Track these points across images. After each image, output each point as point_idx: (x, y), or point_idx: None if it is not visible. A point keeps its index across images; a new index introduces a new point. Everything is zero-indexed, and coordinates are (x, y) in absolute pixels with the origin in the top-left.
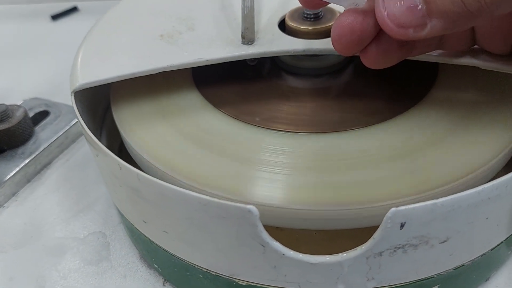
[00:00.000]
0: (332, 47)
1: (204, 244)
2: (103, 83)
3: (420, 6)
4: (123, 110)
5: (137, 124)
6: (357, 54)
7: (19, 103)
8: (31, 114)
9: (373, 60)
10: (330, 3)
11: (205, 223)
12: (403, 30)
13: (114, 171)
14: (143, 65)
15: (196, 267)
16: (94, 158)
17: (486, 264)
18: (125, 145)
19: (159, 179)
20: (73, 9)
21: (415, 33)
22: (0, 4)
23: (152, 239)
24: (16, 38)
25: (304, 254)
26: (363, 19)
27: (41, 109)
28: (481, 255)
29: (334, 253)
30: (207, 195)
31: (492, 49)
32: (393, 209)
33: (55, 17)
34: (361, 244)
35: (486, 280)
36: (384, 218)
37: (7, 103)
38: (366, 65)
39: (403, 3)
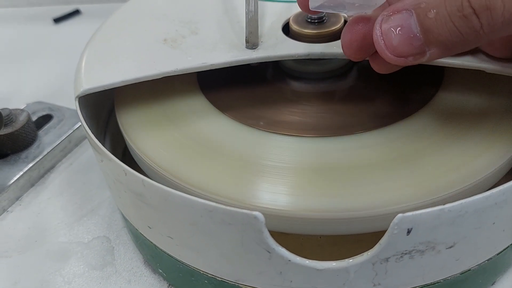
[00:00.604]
0: (336, 50)
1: (210, 250)
2: (107, 88)
3: (418, 36)
4: (128, 115)
5: (141, 129)
6: (366, 59)
7: (22, 107)
8: (34, 118)
9: (382, 65)
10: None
11: (210, 229)
12: (403, 59)
13: (119, 177)
14: (147, 70)
15: (202, 272)
16: (98, 163)
17: (492, 269)
18: (130, 150)
19: (164, 184)
20: (75, 12)
21: (414, 60)
22: (3, 7)
23: (157, 245)
24: (18, 41)
25: (310, 260)
26: (372, 26)
27: (44, 113)
28: (487, 260)
29: (339, 258)
30: (212, 200)
31: (493, 53)
32: (400, 215)
33: (58, 20)
34: (366, 249)
35: (492, 285)
36: (391, 224)
37: (10, 107)
38: (376, 70)
39: (400, 32)
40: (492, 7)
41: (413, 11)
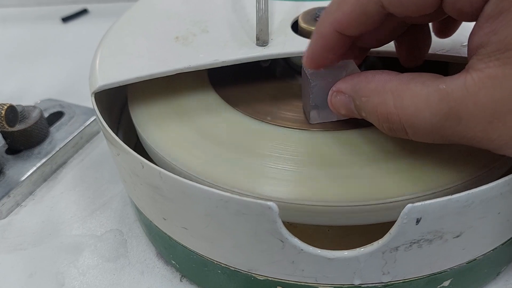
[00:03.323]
0: None
1: (224, 240)
2: (122, 84)
3: (357, 114)
4: (141, 111)
5: (155, 124)
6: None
7: (33, 104)
8: (46, 115)
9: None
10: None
11: (225, 220)
12: (344, 117)
13: (135, 170)
14: (161, 67)
15: (215, 262)
16: (113, 157)
17: (497, 259)
18: (143, 144)
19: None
20: (83, 12)
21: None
22: (12, 6)
23: (171, 236)
24: (28, 40)
25: (322, 250)
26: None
27: (55, 110)
28: (493, 250)
29: (347, 249)
30: (225, 191)
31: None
32: (409, 205)
33: (66, 19)
34: (374, 240)
35: (497, 275)
36: (401, 213)
37: (22, 104)
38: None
39: (344, 109)
40: (399, 135)
41: (352, 100)
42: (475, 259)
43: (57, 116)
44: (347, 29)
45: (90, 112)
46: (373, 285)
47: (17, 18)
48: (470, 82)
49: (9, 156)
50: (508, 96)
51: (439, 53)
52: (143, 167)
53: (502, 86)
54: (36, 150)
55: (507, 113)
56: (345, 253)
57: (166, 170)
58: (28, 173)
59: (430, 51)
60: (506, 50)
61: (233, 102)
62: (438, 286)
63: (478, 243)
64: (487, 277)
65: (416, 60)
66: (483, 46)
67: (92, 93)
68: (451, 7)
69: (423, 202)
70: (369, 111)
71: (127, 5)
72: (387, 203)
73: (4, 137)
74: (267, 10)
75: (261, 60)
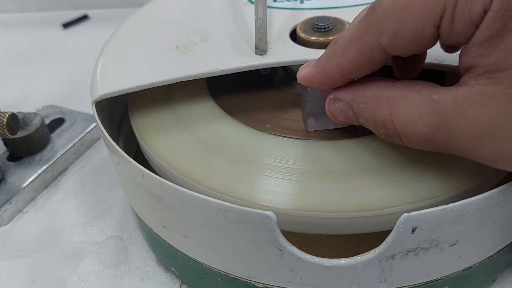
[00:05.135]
0: None
1: (223, 248)
2: (122, 93)
3: (355, 120)
4: (141, 119)
5: (155, 132)
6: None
7: (34, 110)
8: (47, 122)
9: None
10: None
11: (224, 228)
12: (342, 124)
13: (136, 179)
14: (161, 75)
15: (214, 270)
16: (114, 165)
17: (493, 266)
18: (143, 153)
19: (177, 185)
20: (84, 17)
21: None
22: (13, 12)
23: (171, 243)
24: (28, 46)
25: (319, 258)
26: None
27: (56, 117)
28: (488, 257)
29: (346, 257)
30: (223, 201)
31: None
32: (405, 214)
33: (66, 25)
34: (372, 248)
35: (493, 282)
36: (397, 222)
37: (23, 111)
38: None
39: (342, 116)
40: (395, 141)
41: (350, 107)
42: (471, 267)
43: (58, 122)
44: (351, 75)
45: (91, 118)
46: None
47: (18, 24)
48: (460, 97)
49: (11, 163)
50: (496, 114)
51: (434, 62)
52: (143, 176)
53: (491, 104)
54: (37, 156)
55: (495, 131)
56: (343, 261)
57: (165, 178)
58: (30, 180)
59: (425, 60)
60: (496, 72)
61: (232, 111)
62: None
63: (474, 251)
64: (483, 284)
65: (410, 75)
66: (474, 67)
67: (93, 102)
68: (447, 40)
69: (418, 212)
70: (366, 117)
71: (127, 11)
72: (384, 212)
73: (6, 144)
74: (266, 19)
75: (260, 68)
